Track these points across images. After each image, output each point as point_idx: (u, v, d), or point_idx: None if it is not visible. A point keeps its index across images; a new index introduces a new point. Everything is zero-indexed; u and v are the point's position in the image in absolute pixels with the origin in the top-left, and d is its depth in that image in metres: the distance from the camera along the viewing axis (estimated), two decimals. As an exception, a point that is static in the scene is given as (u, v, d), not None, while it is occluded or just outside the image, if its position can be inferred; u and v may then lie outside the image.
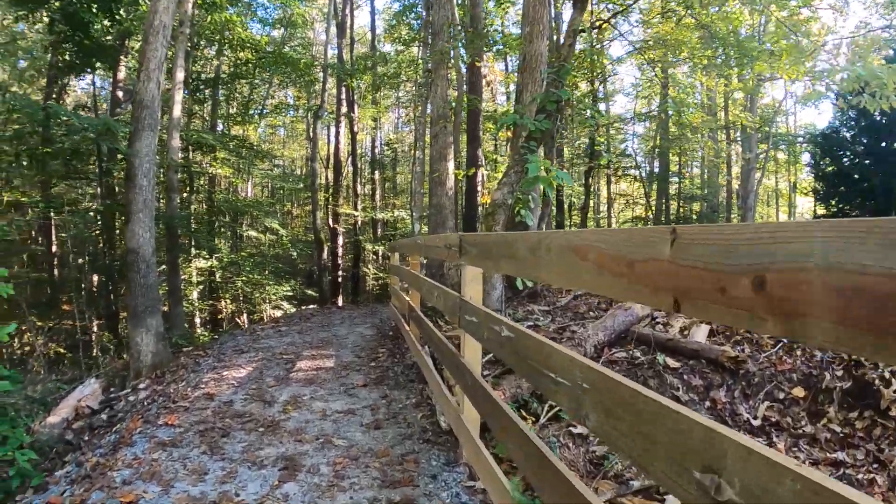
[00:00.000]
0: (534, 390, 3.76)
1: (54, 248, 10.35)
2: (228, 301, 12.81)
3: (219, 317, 12.97)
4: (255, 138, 15.81)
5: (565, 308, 6.50)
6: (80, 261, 10.79)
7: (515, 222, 5.83)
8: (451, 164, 7.94)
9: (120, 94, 12.68)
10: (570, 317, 6.14)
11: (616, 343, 4.88)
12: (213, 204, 12.79)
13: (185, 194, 11.60)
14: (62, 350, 8.26)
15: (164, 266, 8.66)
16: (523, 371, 1.69)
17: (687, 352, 4.47)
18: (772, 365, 4.27)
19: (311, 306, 16.94)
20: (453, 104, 10.37)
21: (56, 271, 10.24)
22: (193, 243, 11.39)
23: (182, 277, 11.06)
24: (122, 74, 12.36)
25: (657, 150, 14.82)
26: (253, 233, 14.07)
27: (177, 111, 9.35)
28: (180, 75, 9.43)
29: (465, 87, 11.03)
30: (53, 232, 10.27)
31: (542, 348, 1.48)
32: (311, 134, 16.06)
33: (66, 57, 8.31)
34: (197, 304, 11.43)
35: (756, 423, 3.78)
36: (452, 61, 10.02)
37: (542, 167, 5.03)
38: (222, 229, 13.80)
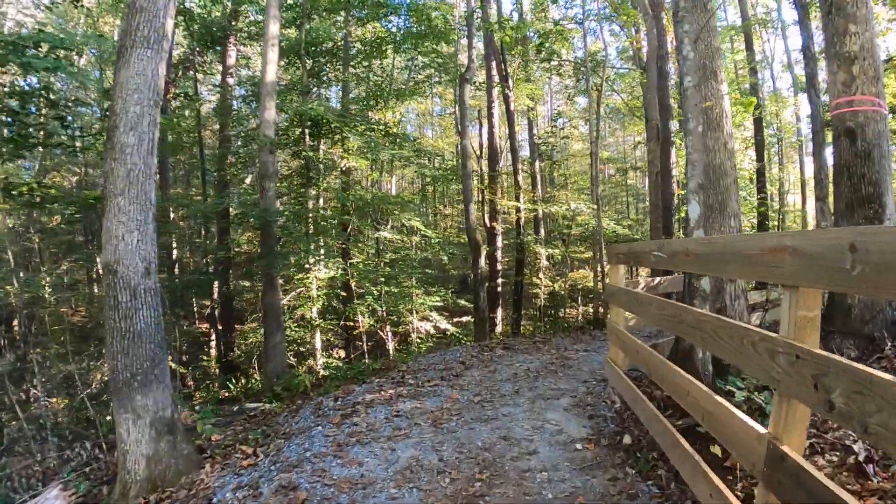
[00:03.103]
0: None
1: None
2: (365, 315, 10.52)
3: (354, 332, 10.79)
4: (392, 123, 13.53)
5: None
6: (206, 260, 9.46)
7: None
8: (724, 88, 4.00)
9: (231, 81, 11.42)
10: None
11: None
12: (345, 202, 10.63)
13: (311, 190, 9.61)
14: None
15: (258, 275, 6.56)
16: None
17: None
18: None
19: (466, 320, 14.29)
20: None
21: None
22: (317, 248, 9.26)
23: (297, 291, 9.01)
24: (231, 60, 11.07)
25: None
26: (386, 233, 11.57)
27: (270, 74, 7.13)
28: (273, 28, 7.21)
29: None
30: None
31: None
32: (459, 102, 13.06)
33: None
34: (316, 323, 9.26)
35: None
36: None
37: None
38: (364, 231, 11.66)
